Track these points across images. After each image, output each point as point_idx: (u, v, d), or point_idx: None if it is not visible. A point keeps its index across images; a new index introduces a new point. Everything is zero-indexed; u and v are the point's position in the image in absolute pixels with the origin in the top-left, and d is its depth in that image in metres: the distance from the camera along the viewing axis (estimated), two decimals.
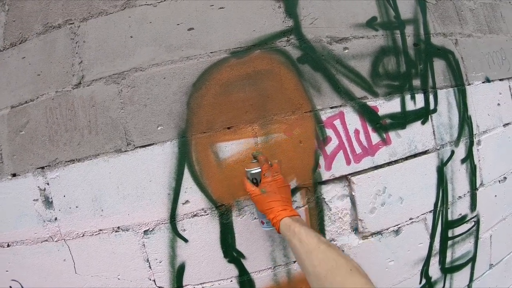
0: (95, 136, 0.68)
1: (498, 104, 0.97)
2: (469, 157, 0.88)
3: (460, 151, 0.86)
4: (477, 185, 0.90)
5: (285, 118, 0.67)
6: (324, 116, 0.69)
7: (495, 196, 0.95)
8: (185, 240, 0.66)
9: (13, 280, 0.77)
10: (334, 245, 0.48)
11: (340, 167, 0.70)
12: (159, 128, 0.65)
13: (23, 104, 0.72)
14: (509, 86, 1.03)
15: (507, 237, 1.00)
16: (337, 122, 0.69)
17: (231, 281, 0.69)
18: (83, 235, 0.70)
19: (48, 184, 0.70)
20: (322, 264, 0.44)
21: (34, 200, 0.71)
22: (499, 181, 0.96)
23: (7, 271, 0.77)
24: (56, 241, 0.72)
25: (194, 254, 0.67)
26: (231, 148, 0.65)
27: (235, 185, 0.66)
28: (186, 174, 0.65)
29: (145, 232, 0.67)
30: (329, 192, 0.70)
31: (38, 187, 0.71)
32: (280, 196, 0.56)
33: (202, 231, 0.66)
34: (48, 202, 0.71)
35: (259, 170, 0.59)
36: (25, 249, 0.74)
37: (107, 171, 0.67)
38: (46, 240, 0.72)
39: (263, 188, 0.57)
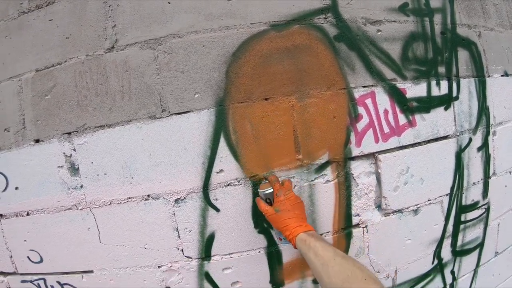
0: (128, 102, 0.69)
1: None
2: (484, 146, 0.94)
3: (477, 140, 0.92)
4: (490, 173, 0.97)
5: (320, 93, 0.70)
6: (357, 94, 0.72)
7: (505, 186, 1.02)
8: (217, 210, 0.69)
9: (31, 250, 0.78)
10: (349, 256, 0.52)
11: (369, 144, 0.74)
12: (196, 96, 0.67)
13: (49, 68, 0.72)
14: None
15: None
16: (368, 101, 0.73)
17: (259, 251, 0.72)
18: (110, 203, 0.71)
19: (74, 150, 0.71)
20: (338, 275, 0.47)
21: (58, 166, 0.72)
22: (510, 172, 1.03)
23: (25, 240, 0.78)
24: (80, 210, 0.73)
25: (225, 224, 0.70)
26: (268, 119, 0.68)
27: (270, 156, 0.69)
28: (222, 143, 0.67)
29: (176, 200, 0.69)
30: (357, 168, 0.74)
31: (64, 153, 0.72)
32: (293, 213, 0.59)
33: (234, 201, 0.69)
34: (74, 169, 0.71)
35: (271, 190, 0.63)
36: (46, 218, 0.75)
37: (140, 137, 0.68)
38: (70, 209, 0.73)
39: (276, 208, 0.60)
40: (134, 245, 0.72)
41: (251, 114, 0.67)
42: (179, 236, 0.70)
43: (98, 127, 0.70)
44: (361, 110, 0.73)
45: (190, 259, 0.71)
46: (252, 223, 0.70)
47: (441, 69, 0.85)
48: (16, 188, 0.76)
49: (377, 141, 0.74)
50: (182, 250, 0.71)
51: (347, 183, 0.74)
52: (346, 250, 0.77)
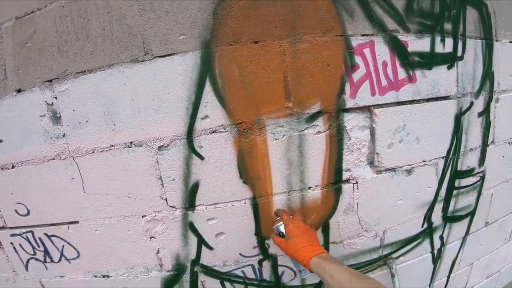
0: (110, 45, 0.63)
1: None
2: (485, 112, 0.89)
3: (479, 104, 0.87)
4: (489, 141, 0.92)
5: (315, 39, 0.64)
6: (354, 42, 0.66)
7: (503, 156, 0.98)
8: (201, 158, 0.66)
9: (18, 203, 0.76)
10: (365, 275, 0.52)
11: (364, 96, 0.69)
12: (181, 38, 0.61)
13: (29, 14, 0.66)
14: None
15: (506, 199, 1.05)
16: (366, 51, 0.67)
17: (245, 202, 0.70)
18: (93, 152, 0.68)
19: (56, 98, 0.67)
20: None
21: (40, 116, 0.68)
22: (509, 143, 0.98)
23: (11, 194, 0.75)
24: (63, 159, 0.70)
25: (210, 173, 0.67)
26: (257, 64, 0.63)
27: (258, 103, 0.64)
28: (208, 88, 0.62)
29: (160, 148, 0.65)
30: (351, 121, 0.70)
31: (45, 101, 0.68)
32: (303, 238, 0.61)
33: (219, 149, 0.66)
34: (56, 118, 0.68)
35: (282, 223, 0.65)
36: (30, 169, 0.72)
37: (122, 82, 0.64)
38: (53, 159, 0.70)
39: (287, 236, 0.63)
40: (117, 195, 0.70)
41: (239, 57, 0.62)
42: (162, 185, 0.67)
43: (79, 72, 0.65)
44: (358, 59, 0.67)
45: (174, 209, 0.69)
46: (237, 172, 0.67)
47: (447, 26, 0.78)
48: (0, 141, 0.72)
49: (373, 94, 0.69)
50: (166, 200, 0.69)
51: (339, 136, 0.69)
52: (335, 206, 0.74)
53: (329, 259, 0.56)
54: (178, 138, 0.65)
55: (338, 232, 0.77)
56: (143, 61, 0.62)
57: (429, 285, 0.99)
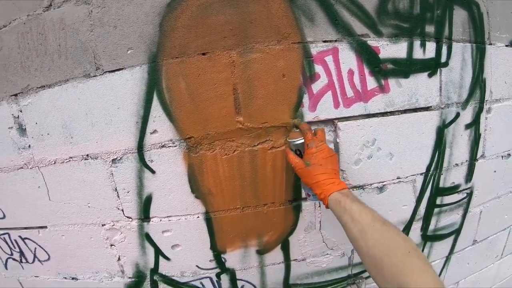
0: (65, 61, 0.60)
1: None
2: (475, 124, 0.76)
3: (467, 115, 0.74)
4: (478, 156, 0.79)
5: (268, 48, 0.56)
6: (314, 50, 0.57)
7: (494, 171, 0.84)
8: (153, 171, 0.61)
9: None
10: (390, 222, 0.43)
11: (326, 109, 0.60)
12: (129, 52, 0.56)
13: None
14: None
15: (498, 216, 0.91)
16: (329, 59, 0.58)
17: (198, 217, 0.64)
18: (54, 162, 0.66)
19: (21, 111, 0.65)
20: (378, 244, 0.40)
21: (9, 128, 0.67)
22: (502, 157, 0.84)
23: None
24: (30, 169, 0.68)
25: (161, 186, 0.62)
26: (204, 77, 0.56)
27: (207, 117, 0.58)
28: (155, 102, 0.57)
29: (113, 161, 0.62)
30: None
31: (12, 114, 0.66)
32: (325, 167, 0.50)
33: (169, 163, 0.60)
34: (21, 130, 0.66)
35: (303, 140, 0.53)
36: (4, 176, 0.71)
37: (76, 96, 0.60)
38: (22, 168, 0.69)
39: (307, 160, 0.51)
40: (79, 204, 0.67)
41: (186, 70, 0.55)
42: (118, 196, 0.64)
43: (39, 87, 0.62)
44: (318, 68, 0.58)
45: (130, 219, 0.65)
46: (189, 187, 0.62)
47: (429, 28, 0.66)
48: None
49: (337, 106, 0.60)
50: (123, 210, 0.65)
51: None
52: (295, 224, 0.66)
53: (350, 197, 0.47)
54: (130, 152, 0.60)
55: (300, 250, 0.69)
56: (94, 76, 0.58)
57: None
